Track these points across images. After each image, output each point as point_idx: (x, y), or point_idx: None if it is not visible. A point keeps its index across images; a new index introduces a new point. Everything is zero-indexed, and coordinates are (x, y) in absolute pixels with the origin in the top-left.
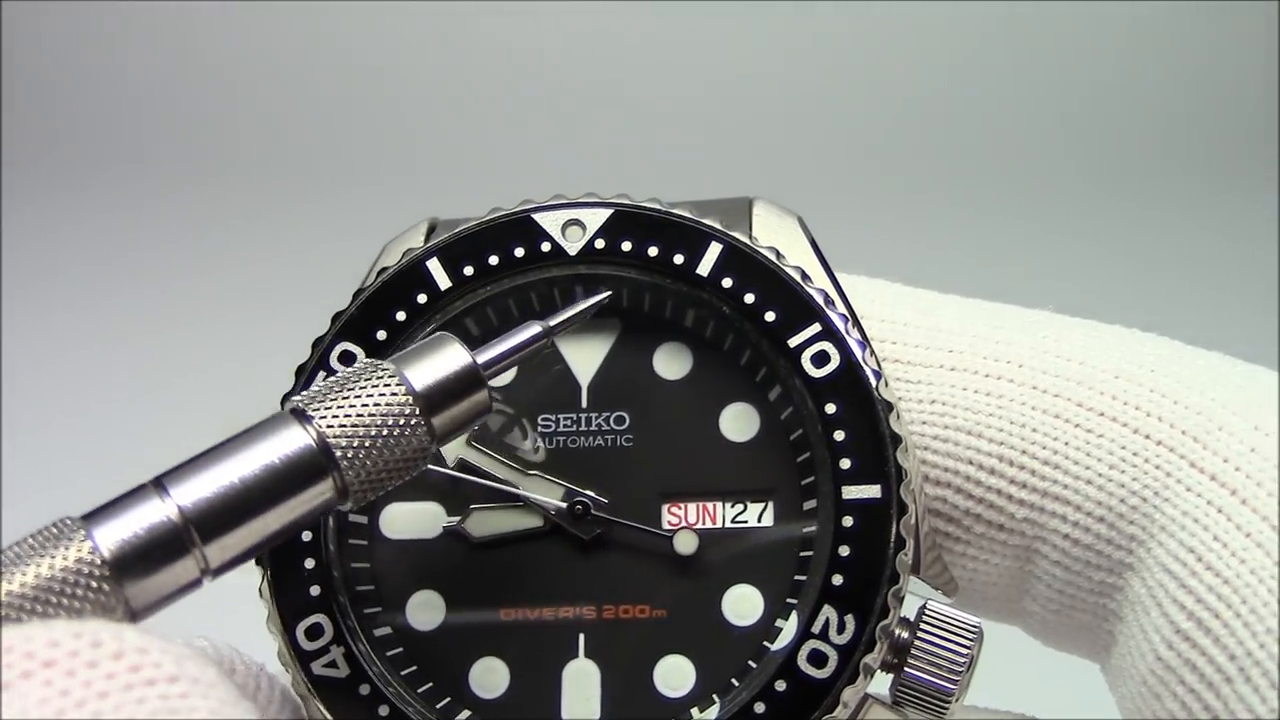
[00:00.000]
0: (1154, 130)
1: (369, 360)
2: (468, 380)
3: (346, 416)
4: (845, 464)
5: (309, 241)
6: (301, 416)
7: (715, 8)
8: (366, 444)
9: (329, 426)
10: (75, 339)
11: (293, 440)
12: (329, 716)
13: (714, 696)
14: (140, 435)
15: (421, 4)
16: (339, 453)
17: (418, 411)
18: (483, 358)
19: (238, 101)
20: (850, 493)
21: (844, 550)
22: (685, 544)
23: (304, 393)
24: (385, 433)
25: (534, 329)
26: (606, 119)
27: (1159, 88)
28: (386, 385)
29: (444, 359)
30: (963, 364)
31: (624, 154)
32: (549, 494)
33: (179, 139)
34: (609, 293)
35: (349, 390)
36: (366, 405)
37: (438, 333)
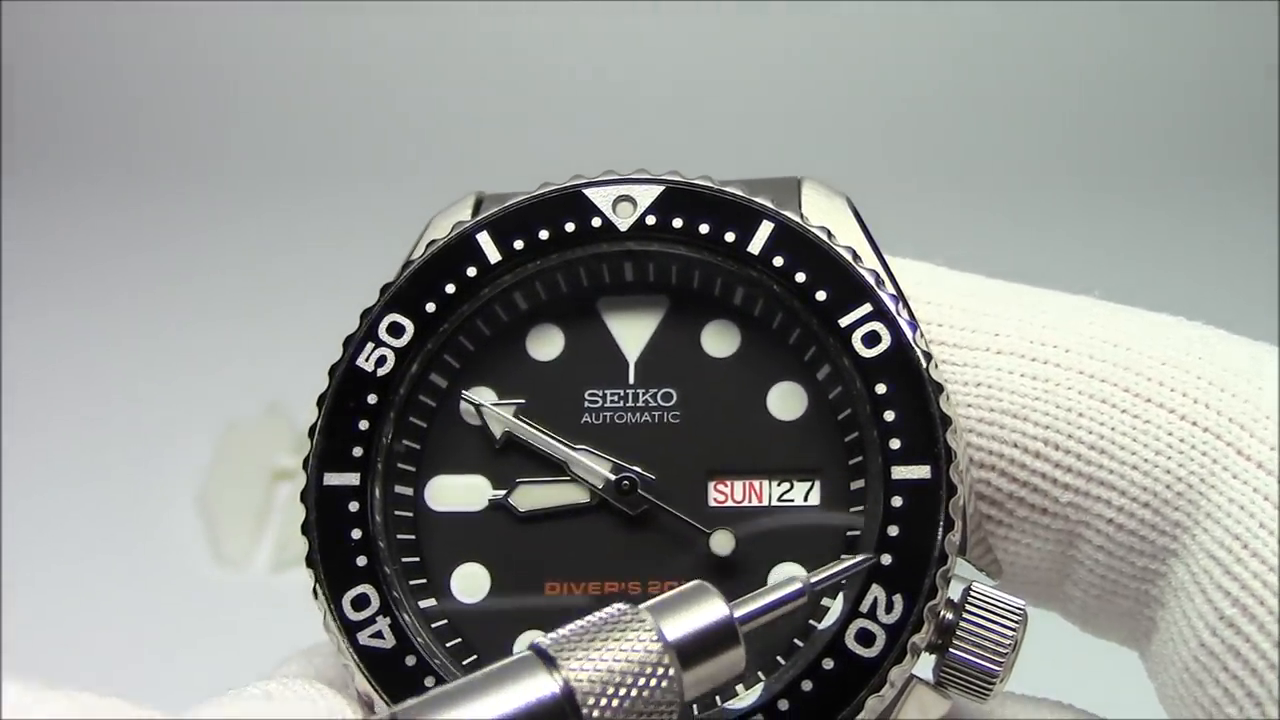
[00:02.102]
0: (1173, 127)
1: (622, 606)
2: (724, 635)
3: (594, 664)
4: (895, 444)
5: (308, 245)
6: (547, 660)
7: None
8: (610, 694)
9: (573, 673)
10: (77, 340)
11: (537, 687)
12: (375, 687)
13: (759, 674)
14: (142, 438)
15: None
16: (582, 701)
17: (669, 665)
18: (740, 612)
19: (240, 99)
20: (899, 473)
21: (893, 530)
22: (721, 545)
23: (551, 636)
24: (632, 684)
25: (795, 585)
26: (633, 102)
27: (1177, 86)
28: (639, 635)
29: (701, 611)
30: (1009, 347)
31: (655, 135)
32: (596, 469)
33: (184, 134)
34: (874, 557)
35: (599, 637)
36: (615, 653)
37: (697, 582)
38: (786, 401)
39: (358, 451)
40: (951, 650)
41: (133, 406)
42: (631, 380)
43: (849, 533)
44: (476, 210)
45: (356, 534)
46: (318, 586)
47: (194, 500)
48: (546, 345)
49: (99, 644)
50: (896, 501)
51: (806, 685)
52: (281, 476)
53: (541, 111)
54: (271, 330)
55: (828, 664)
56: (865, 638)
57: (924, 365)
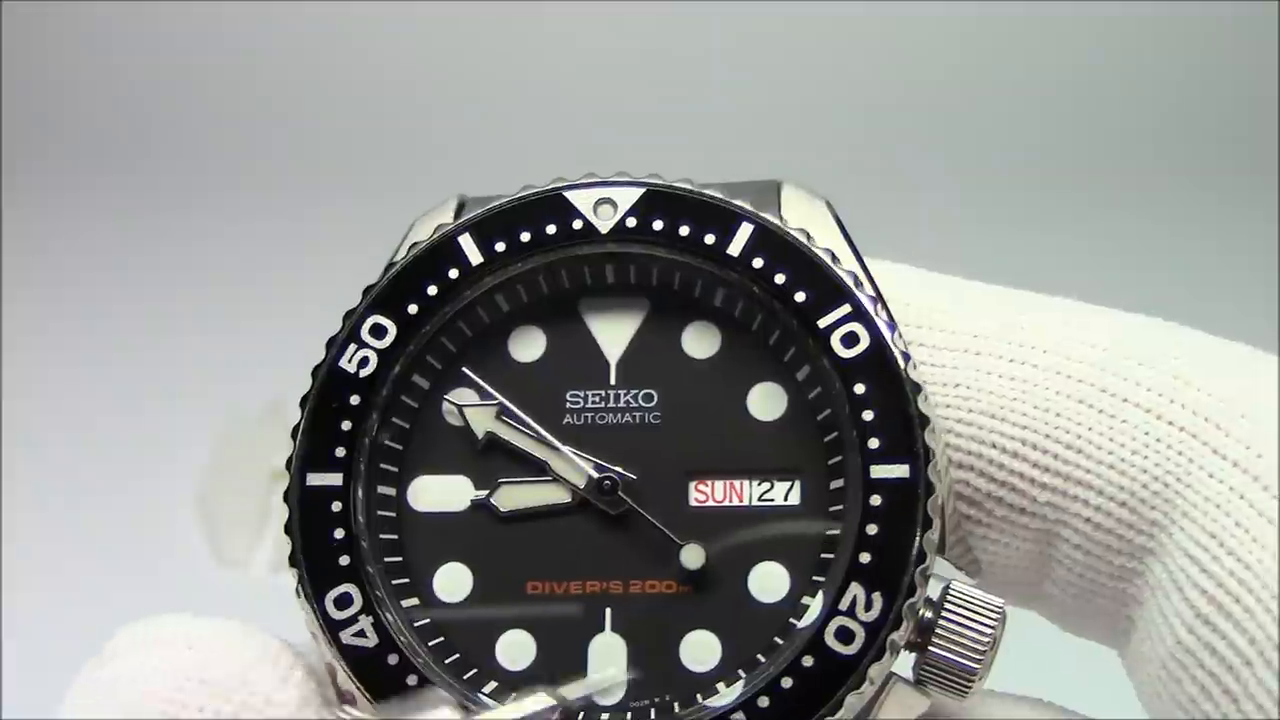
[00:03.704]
0: (1162, 126)
1: (356, 715)
2: None
3: None
4: (874, 443)
5: (309, 246)
6: None
7: None
8: None
9: None
10: (77, 340)
11: None
12: (357, 685)
13: (740, 672)
14: (142, 437)
15: None
16: None
17: None
18: None
19: (234, 102)
20: (878, 472)
21: (871, 529)
22: (692, 559)
23: None
24: None
25: (549, 703)
26: (613, 105)
27: (1166, 84)
28: None
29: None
30: (987, 348)
31: (636, 138)
32: (577, 470)
33: (180, 136)
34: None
35: None
36: None
37: (438, 689)
38: (766, 402)
39: (340, 452)
40: (931, 648)
41: (132, 406)
42: (613, 381)
43: (828, 532)
44: (459, 212)
45: (339, 534)
46: (300, 586)
47: (194, 500)
48: (528, 346)
49: (98, 643)
50: (875, 500)
51: (786, 682)
52: (281, 476)
53: (524, 115)
54: (271, 330)
55: (807, 661)
56: (844, 635)
57: (902, 365)
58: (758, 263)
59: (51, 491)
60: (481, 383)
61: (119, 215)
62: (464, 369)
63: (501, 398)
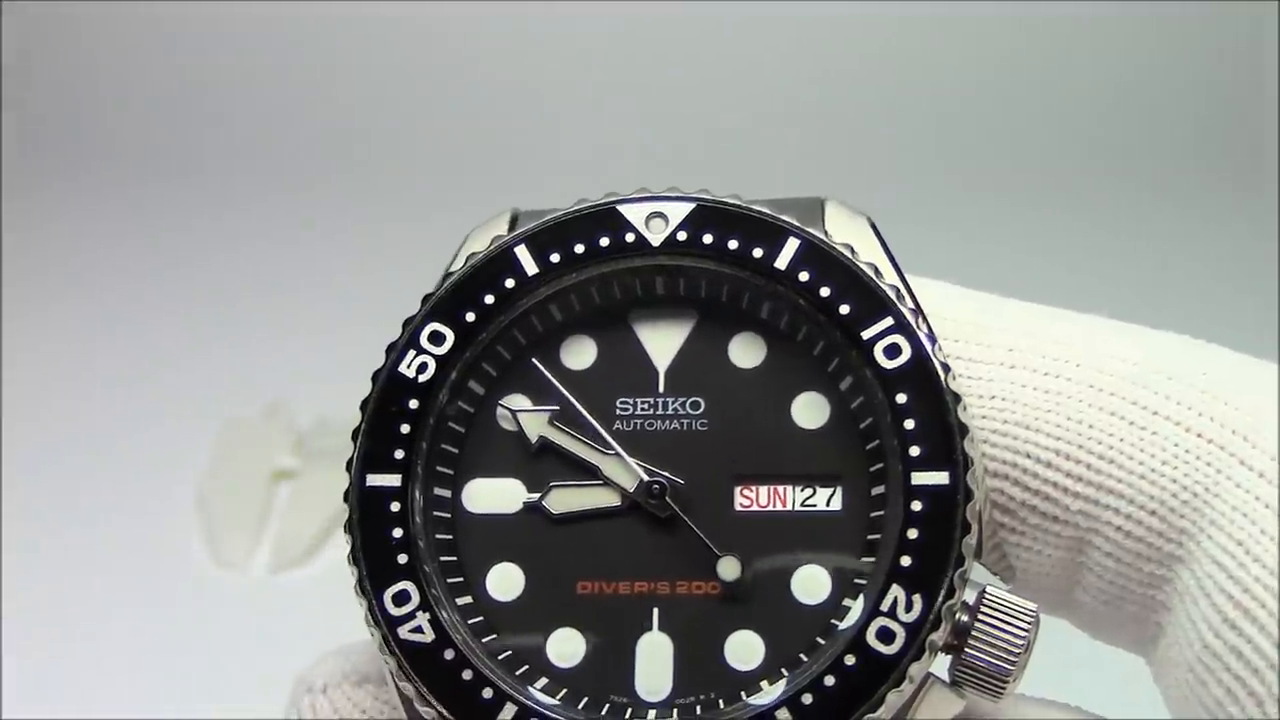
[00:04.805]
0: (1192, 142)
1: None
2: None
3: None
4: (915, 451)
5: (310, 248)
6: None
7: (781, 10)
8: None
9: None
10: (77, 340)
11: None
12: (416, 680)
13: (782, 671)
14: (142, 438)
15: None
16: None
17: None
18: None
19: (251, 101)
20: (919, 478)
21: (912, 533)
22: (728, 570)
23: None
24: None
25: None
26: (665, 123)
27: (1179, 94)
28: None
29: None
30: (1022, 362)
31: (686, 155)
32: (627, 474)
33: (190, 135)
34: None
35: None
36: None
37: None
38: (810, 411)
39: (399, 454)
40: (967, 650)
41: (132, 406)
42: (661, 389)
43: (869, 536)
44: (513, 225)
45: (397, 533)
46: (359, 583)
47: (194, 500)
48: (580, 355)
49: (98, 643)
50: (916, 506)
51: (829, 680)
52: (281, 477)
53: (575, 133)
54: (272, 331)
55: (849, 660)
56: (885, 635)
57: (942, 376)
58: (803, 276)
59: (52, 491)
60: (549, 376)
61: (124, 212)
62: (533, 360)
63: (569, 395)
